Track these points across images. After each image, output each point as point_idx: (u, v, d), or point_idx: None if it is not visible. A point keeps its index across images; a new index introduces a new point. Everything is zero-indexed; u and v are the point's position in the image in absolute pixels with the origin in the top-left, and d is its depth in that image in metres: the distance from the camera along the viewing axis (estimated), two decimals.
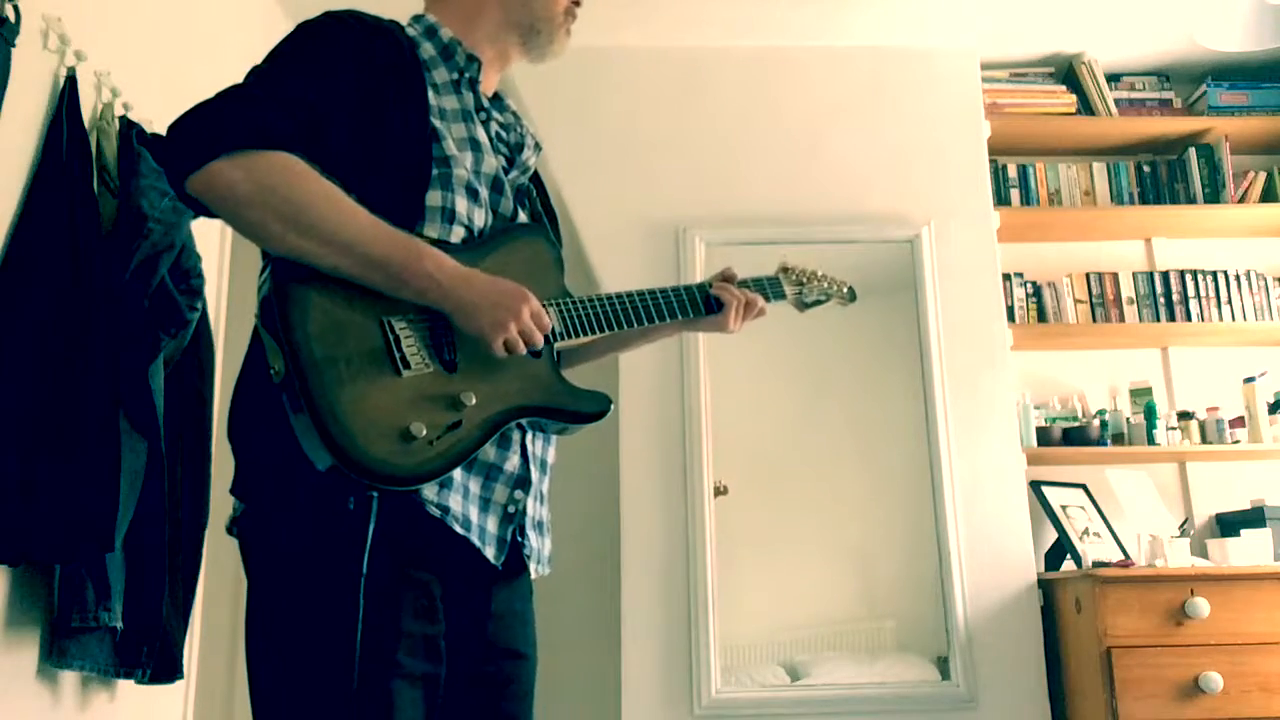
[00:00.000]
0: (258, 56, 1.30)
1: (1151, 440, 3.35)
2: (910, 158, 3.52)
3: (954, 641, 3.12)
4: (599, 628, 3.37)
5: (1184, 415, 3.42)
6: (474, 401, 1.21)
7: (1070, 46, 3.66)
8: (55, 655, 1.98)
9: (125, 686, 2.30)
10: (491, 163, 1.37)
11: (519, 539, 1.32)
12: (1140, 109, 3.73)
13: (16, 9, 1.85)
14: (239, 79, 1.26)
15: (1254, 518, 3.29)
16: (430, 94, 1.33)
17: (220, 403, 2.53)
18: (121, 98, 2.23)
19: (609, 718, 3.23)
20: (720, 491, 3.25)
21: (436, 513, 1.20)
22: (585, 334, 1.37)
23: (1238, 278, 3.55)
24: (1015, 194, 3.62)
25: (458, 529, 1.22)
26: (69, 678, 2.10)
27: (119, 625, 2.02)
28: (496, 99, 1.47)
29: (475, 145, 1.35)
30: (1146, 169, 3.69)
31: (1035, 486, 3.31)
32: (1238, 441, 3.39)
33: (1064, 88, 3.69)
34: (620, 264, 3.38)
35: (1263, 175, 3.64)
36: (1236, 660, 2.79)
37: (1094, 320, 3.52)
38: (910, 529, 3.30)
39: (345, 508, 1.15)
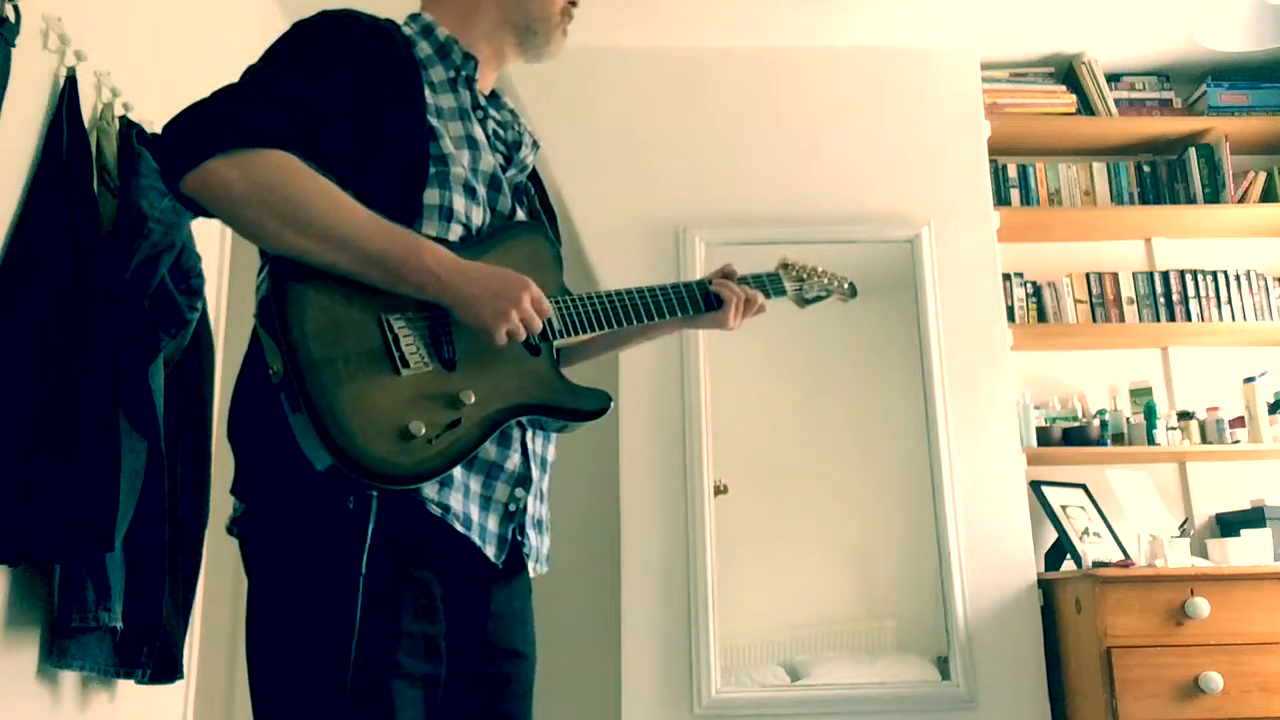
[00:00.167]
0: (256, 56, 1.30)
1: (1151, 440, 3.35)
2: (910, 158, 3.52)
3: (954, 641, 3.12)
4: (599, 627, 3.37)
5: (1184, 415, 3.42)
6: (473, 400, 1.21)
7: (1070, 46, 3.66)
8: (55, 655, 1.98)
9: (125, 686, 2.30)
10: (489, 160, 1.36)
11: (519, 537, 1.32)
12: (1140, 109, 3.73)
13: (16, 9, 1.85)
14: (237, 79, 1.26)
15: (1254, 518, 3.29)
16: (427, 92, 1.33)
17: (220, 403, 2.53)
18: (121, 98, 2.23)
19: (609, 718, 3.23)
20: (720, 490, 3.25)
21: (437, 511, 1.20)
22: (585, 331, 1.37)
23: (1238, 278, 3.55)
24: (1015, 194, 3.62)
25: (458, 527, 1.22)
26: (69, 678, 2.10)
27: (119, 625, 2.02)
28: (494, 97, 1.47)
29: (472, 143, 1.35)
30: (1146, 169, 3.69)
31: (1035, 486, 3.31)
32: (1238, 441, 3.39)
33: (1064, 88, 3.69)
34: (620, 264, 3.38)
35: (1263, 175, 3.64)
36: (1236, 660, 2.79)
37: (1094, 320, 3.52)
38: (910, 529, 3.30)
39: (345, 507, 1.15)
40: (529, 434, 1.33)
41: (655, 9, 3.41)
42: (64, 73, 2.06)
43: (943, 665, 3.16)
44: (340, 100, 1.25)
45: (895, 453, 3.39)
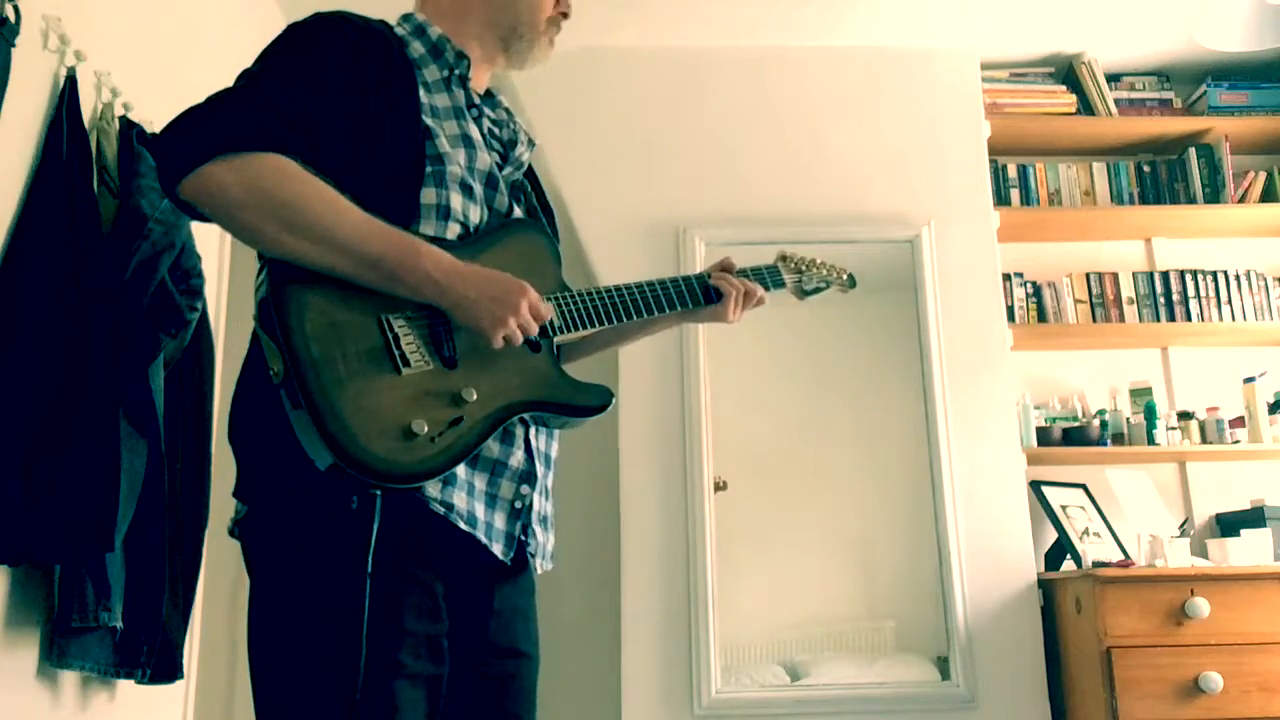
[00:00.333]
0: (257, 56, 1.30)
1: (1151, 440, 3.35)
2: (910, 158, 3.52)
3: (954, 641, 3.12)
4: (599, 627, 3.37)
5: (1184, 415, 3.42)
6: (475, 397, 1.21)
7: (1070, 46, 3.66)
8: (55, 655, 1.98)
9: (125, 686, 2.30)
10: (485, 159, 1.37)
11: (524, 536, 1.32)
12: (1140, 109, 3.73)
13: (16, 9, 1.85)
14: (232, 83, 1.26)
15: (1254, 518, 3.29)
16: (421, 92, 1.33)
17: (220, 403, 2.53)
18: (121, 98, 2.23)
19: (609, 718, 3.23)
20: (720, 487, 3.25)
21: (440, 510, 1.20)
22: (585, 327, 1.37)
23: (1238, 278, 3.55)
24: (1015, 194, 3.62)
25: (462, 526, 1.22)
26: (69, 678, 2.10)
27: (119, 625, 2.02)
28: (488, 96, 1.47)
29: (468, 142, 1.35)
30: (1146, 169, 3.69)
31: (1035, 486, 3.31)
32: (1238, 441, 3.39)
33: (1064, 88, 3.69)
34: (620, 264, 3.38)
35: (1263, 175, 3.64)
36: (1236, 660, 2.79)
37: (1094, 320, 3.52)
38: (910, 529, 3.30)
39: (348, 507, 1.15)
40: (532, 431, 1.33)
41: (655, 9, 3.41)
42: (64, 73, 2.06)
43: (943, 665, 3.16)
44: (336, 102, 1.25)
45: (895, 452, 3.39)
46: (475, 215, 1.33)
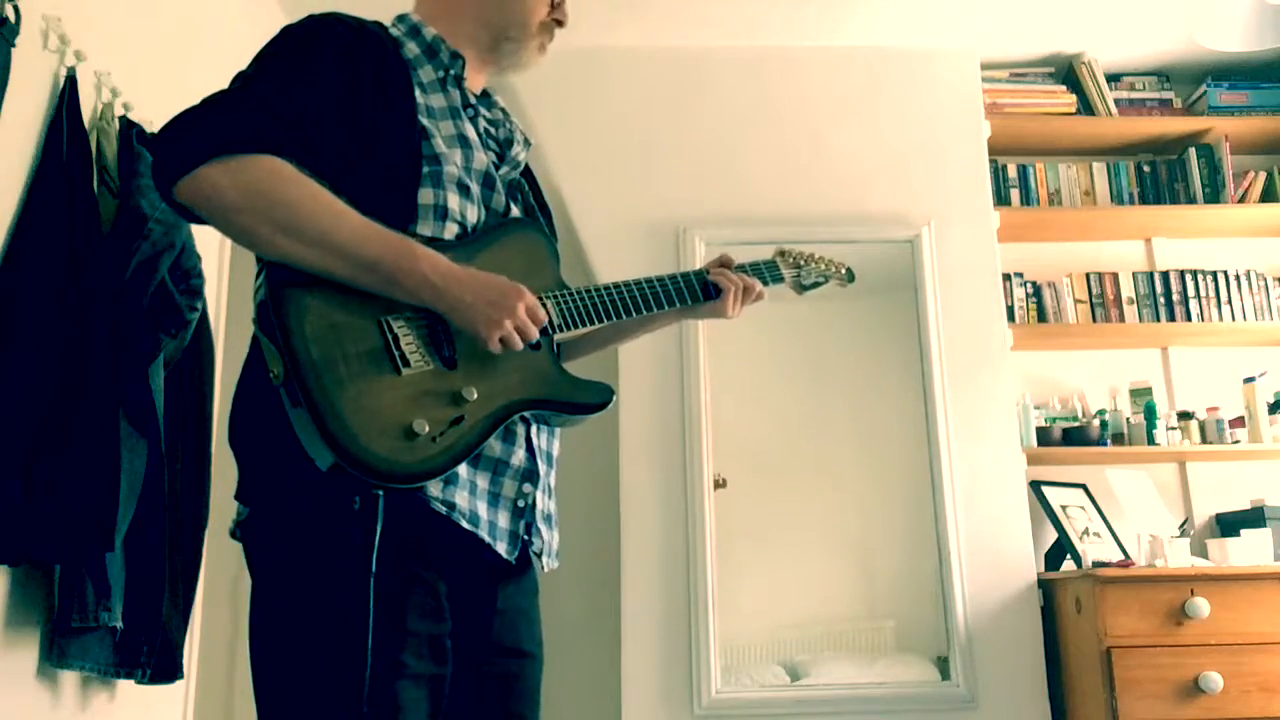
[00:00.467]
0: None
1: (1151, 440, 3.35)
2: (910, 158, 3.52)
3: (954, 641, 3.12)
4: (599, 626, 3.37)
5: (1184, 415, 3.42)
6: (475, 396, 1.21)
7: (1070, 46, 3.66)
8: (55, 655, 1.98)
9: (125, 686, 2.30)
10: (481, 159, 1.36)
11: (528, 535, 1.31)
12: (1140, 109, 3.73)
13: (16, 9, 1.85)
14: (228, 85, 1.26)
15: (1254, 518, 3.29)
16: (417, 92, 1.33)
17: (220, 403, 2.53)
18: (121, 98, 2.23)
19: (609, 718, 3.23)
20: (720, 485, 3.25)
21: (443, 509, 1.20)
22: (584, 325, 1.37)
23: (1238, 278, 3.55)
24: (1015, 194, 3.62)
25: (464, 525, 1.22)
26: (69, 678, 2.10)
27: (119, 625, 2.02)
28: (484, 96, 1.47)
29: (464, 142, 1.35)
30: (1146, 169, 3.69)
31: (1035, 486, 3.31)
32: (1238, 441, 3.39)
33: (1064, 88, 3.69)
34: (620, 264, 3.38)
35: (1263, 175, 3.64)
36: (1236, 660, 2.79)
37: (1094, 320, 3.52)
38: (910, 529, 3.30)
39: (350, 508, 1.15)
40: (533, 429, 1.33)
41: (655, 9, 3.41)
42: (64, 73, 2.06)
43: (943, 665, 3.16)
44: (331, 103, 1.25)
45: (895, 452, 3.39)
46: (473, 215, 1.33)
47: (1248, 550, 3.07)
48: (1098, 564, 3.04)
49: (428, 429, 1.16)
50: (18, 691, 1.93)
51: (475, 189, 1.34)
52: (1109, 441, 3.38)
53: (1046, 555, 3.34)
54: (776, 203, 3.46)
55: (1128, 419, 3.44)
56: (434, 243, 1.26)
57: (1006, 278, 3.51)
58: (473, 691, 1.29)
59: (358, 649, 1.12)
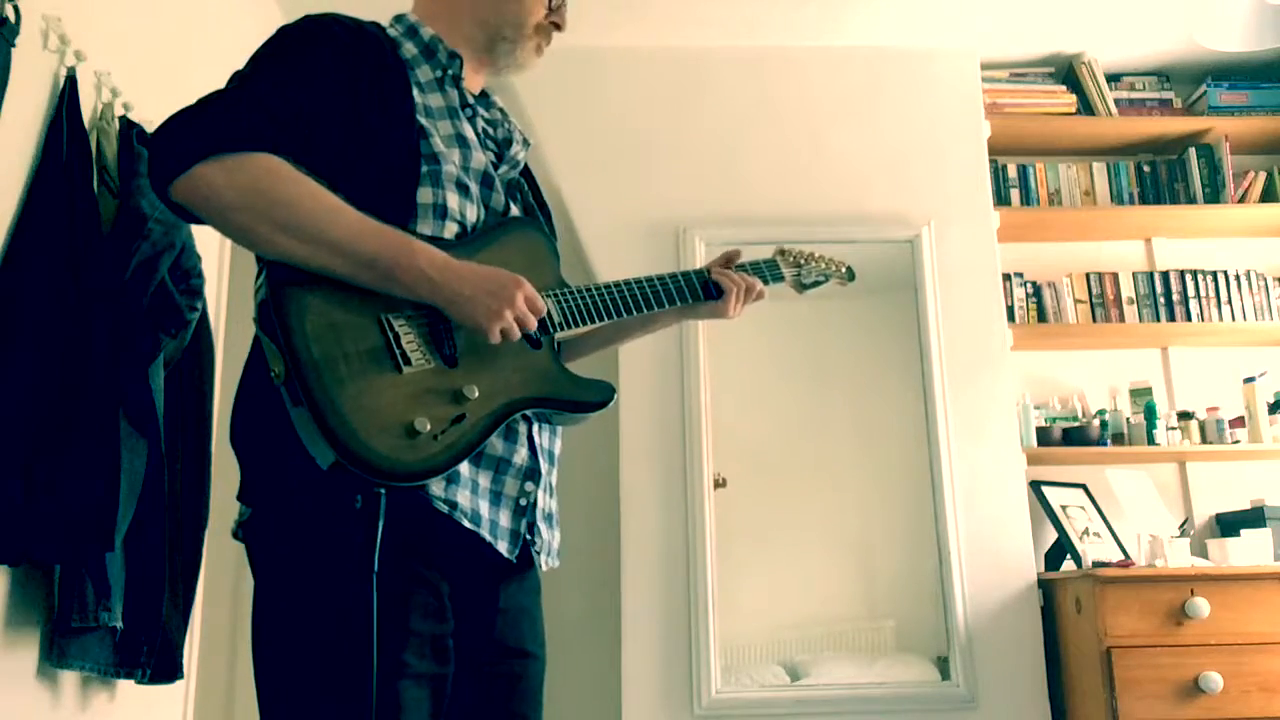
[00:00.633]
0: None
1: (1151, 440, 3.35)
2: (910, 158, 3.52)
3: (954, 641, 3.12)
4: (599, 626, 3.37)
5: (1184, 415, 3.42)
6: (477, 395, 1.21)
7: (1070, 46, 3.66)
8: (55, 655, 1.98)
9: (125, 686, 2.30)
10: (480, 158, 1.37)
11: (529, 534, 1.31)
12: (1140, 109, 3.73)
13: (16, 9, 1.85)
14: (224, 84, 1.26)
15: (1254, 518, 3.29)
16: (415, 92, 1.33)
17: (220, 403, 2.53)
18: (121, 98, 2.23)
19: (609, 718, 3.23)
20: (719, 484, 3.25)
21: (444, 508, 1.20)
22: (585, 323, 1.37)
23: (1238, 278, 3.55)
24: (1015, 194, 3.62)
25: (466, 524, 1.22)
26: (69, 678, 2.10)
27: (119, 625, 2.02)
28: (483, 96, 1.47)
29: (463, 141, 1.36)
30: (1146, 169, 3.69)
31: (1035, 486, 3.31)
32: (1238, 441, 3.39)
33: (1064, 88, 3.69)
34: (620, 264, 3.38)
35: (1263, 175, 3.64)
36: (1236, 660, 2.79)
37: (1094, 320, 3.52)
38: (910, 529, 3.30)
39: (352, 507, 1.14)
40: (535, 428, 1.33)
41: (655, 9, 3.41)
42: (64, 73, 2.06)
43: (943, 665, 3.16)
44: (328, 102, 1.25)
45: (895, 452, 3.39)
46: (472, 214, 1.33)
47: (1248, 550, 3.07)
48: (1098, 564, 3.04)
49: (429, 427, 1.16)
50: (18, 691, 1.93)
51: (474, 188, 1.34)
52: (1109, 441, 3.38)
53: (1046, 555, 3.34)
54: (776, 203, 3.46)
55: (1128, 419, 3.44)
56: (434, 242, 1.26)
57: (1006, 278, 3.51)
58: (475, 691, 1.29)
59: (360, 649, 1.12)
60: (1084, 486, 3.41)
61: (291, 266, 1.17)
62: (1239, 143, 3.68)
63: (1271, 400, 3.41)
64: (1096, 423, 3.39)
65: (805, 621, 3.32)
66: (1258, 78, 3.74)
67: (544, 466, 1.33)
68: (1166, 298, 3.53)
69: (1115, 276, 3.56)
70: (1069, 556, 3.21)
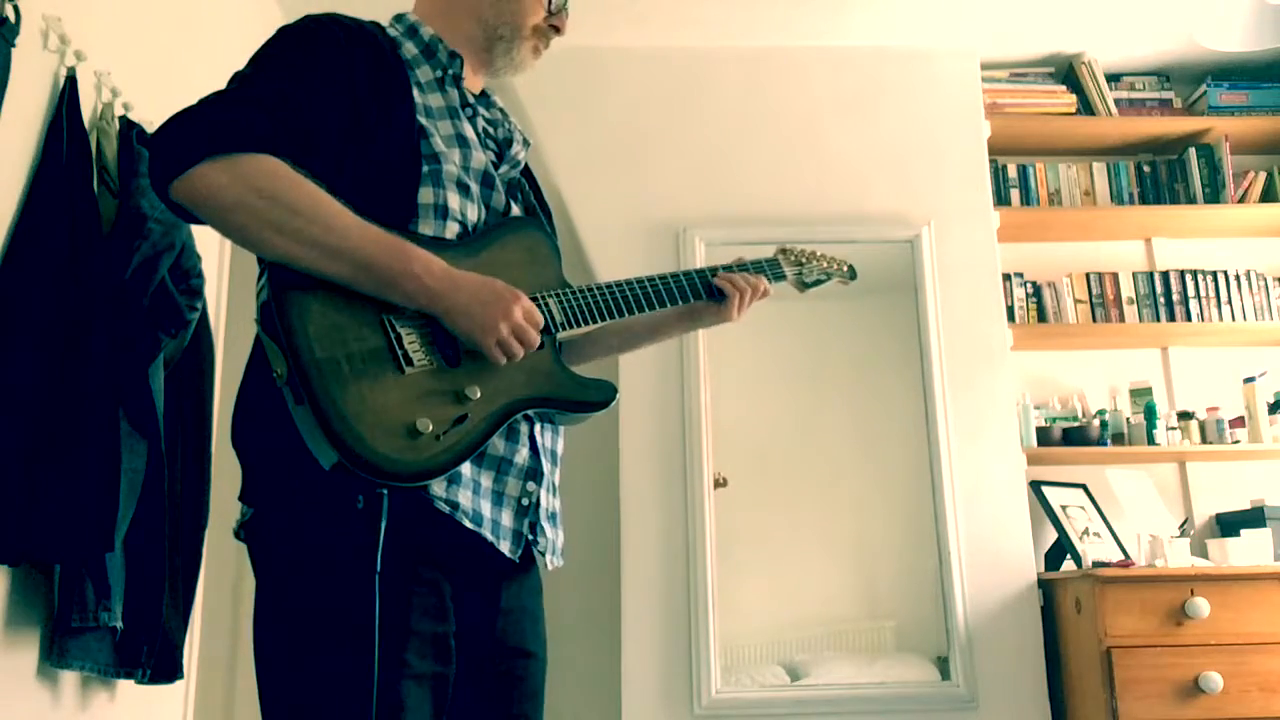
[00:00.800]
0: None
1: (1151, 440, 3.35)
2: (910, 158, 3.52)
3: (954, 641, 3.12)
4: (599, 627, 3.37)
5: (1184, 415, 3.42)
6: (479, 395, 1.21)
7: (1070, 46, 3.66)
8: (55, 655, 1.98)
9: (125, 686, 2.30)
10: (480, 158, 1.36)
11: (532, 534, 1.31)
12: (1140, 109, 3.73)
13: (16, 9, 1.85)
14: (225, 84, 1.26)
15: (1254, 518, 3.29)
16: (415, 92, 1.33)
17: (220, 403, 2.53)
18: (121, 98, 2.23)
19: (609, 718, 3.23)
20: (720, 484, 3.25)
21: (446, 509, 1.20)
22: (587, 323, 1.37)
23: (1238, 278, 3.55)
24: (1015, 194, 3.62)
25: (468, 524, 1.22)
26: (69, 678, 2.10)
27: (119, 625, 2.02)
28: (482, 96, 1.47)
29: (463, 141, 1.35)
30: (1146, 169, 3.69)
31: (1035, 486, 3.31)
32: (1238, 441, 3.39)
33: (1064, 88, 3.69)
34: (620, 265, 3.38)
35: (1263, 175, 3.64)
36: (1236, 660, 2.79)
37: (1094, 320, 3.52)
38: (910, 529, 3.30)
39: (353, 507, 1.14)
40: (537, 428, 1.33)
41: (655, 9, 3.41)
42: (64, 73, 2.06)
43: (943, 665, 3.16)
44: (329, 103, 1.25)
45: (895, 453, 3.39)
46: (473, 214, 1.33)
47: (1248, 550, 3.07)
48: (1098, 564, 3.04)
49: (431, 428, 1.16)
50: (18, 691, 1.93)
51: (475, 188, 1.34)
52: (1109, 441, 3.38)
53: (1046, 555, 3.34)
54: (776, 203, 3.46)
55: (1128, 419, 3.44)
56: (435, 242, 1.26)
57: (1006, 278, 3.51)
58: (476, 691, 1.29)
59: (362, 648, 1.12)
60: (1084, 486, 3.41)
61: (292, 268, 1.17)
62: (1239, 143, 3.68)
63: (1271, 400, 3.41)
64: (1096, 423, 3.39)
65: (805, 621, 3.32)
66: (1258, 78, 3.74)
67: (546, 466, 1.33)
68: (1166, 298, 3.53)
69: (1115, 276, 3.57)
70: (1069, 556, 3.21)
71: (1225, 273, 3.55)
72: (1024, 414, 3.37)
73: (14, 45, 1.84)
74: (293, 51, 1.27)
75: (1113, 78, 3.73)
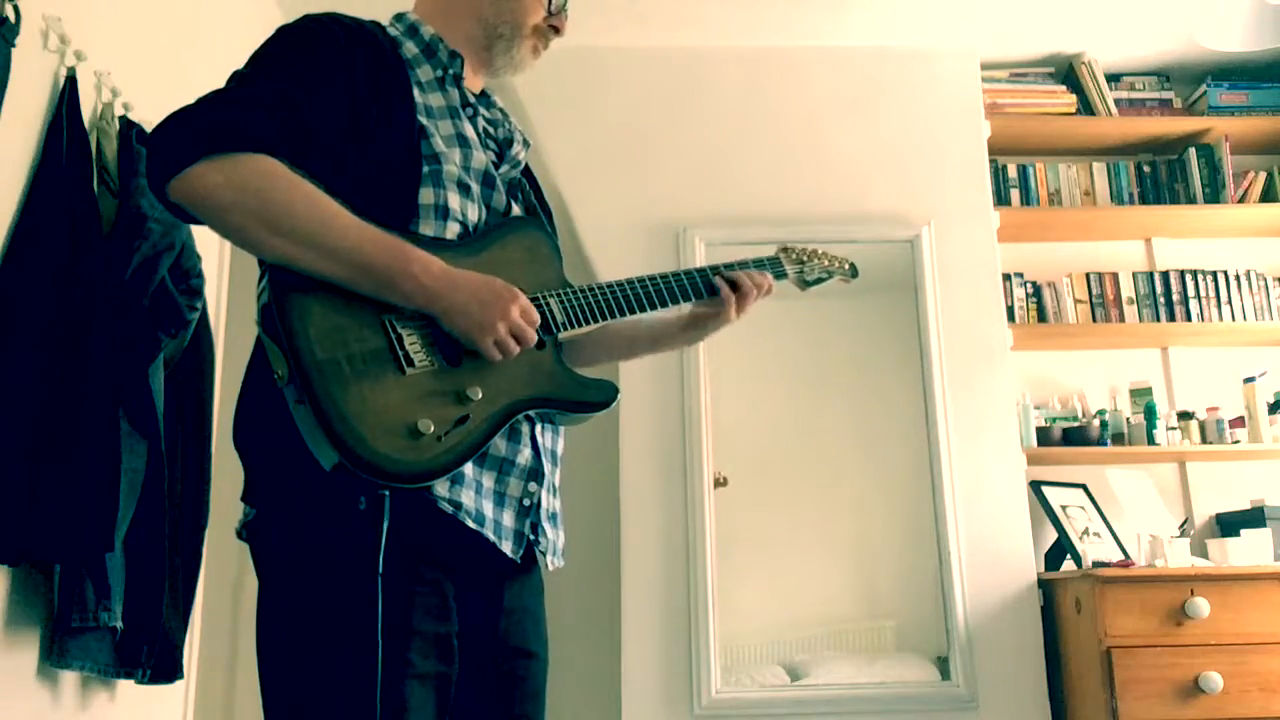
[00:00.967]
0: None
1: (1151, 440, 3.35)
2: (910, 158, 3.52)
3: (954, 641, 3.12)
4: (599, 627, 3.37)
5: (1184, 415, 3.42)
6: (480, 395, 1.21)
7: (1070, 46, 3.66)
8: (55, 655, 1.98)
9: (125, 686, 2.30)
10: (480, 158, 1.36)
11: (534, 535, 1.31)
12: (1140, 109, 3.73)
13: (16, 9, 1.85)
14: (223, 84, 1.26)
15: (1254, 518, 3.29)
16: (415, 91, 1.33)
17: (220, 403, 2.53)
18: (121, 98, 2.23)
19: (609, 718, 3.23)
20: (720, 483, 3.25)
21: (449, 509, 1.20)
22: (588, 322, 1.36)
23: (1238, 278, 3.55)
24: (1015, 194, 3.62)
25: (470, 524, 1.22)
26: (69, 678, 2.10)
27: (119, 625, 2.02)
28: (483, 95, 1.47)
29: (463, 141, 1.35)
30: (1146, 169, 3.69)
31: (1035, 486, 3.31)
32: (1238, 441, 3.39)
33: (1064, 88, 3.69)
34: (620, 265, 3.38)
35: (1263, 175, 3.64)
36: (1236, 660, 2.79)
37: (1094, 320, 3.52)
38: (910, 529, 3.30)
39: (356, 508, 1.14)
40: (538, 428, 1.33)
41: (655, 9, 3.41)
42: (64, 73, 2.05)
43: (943, 665, 3.16)
44: (329, 102, 1.25)
45: (895, 453, 3.39)
46: (474, 214, 1.33)
47: (1248, 550, 3.08)
48: (1098, 564, 3.04)
49: (433, 428, 1.16)
50: (18, 691, 1.93)
51: (475, 188, 1.34)
52: (1109, 441, 3.38)
53: (1046, 555, 3.34)
54: (776, 203, 3.46)
55: (1128, 419, 3.44)
56: (436, 243, 1.25)
57: (1006, 278, 3.51)
58: (478, 691, 1.29)
59: (365, 648, 1.11)
60: (1084, 486, 3.41)
61: (292, 269, 1.17)
62: (1239, 143, 3.68)
63: (1271, 400, 3.41)
64: (1096, 423, 3.39)
65: (805, 621, 3.32)
66: (1258, 78, 3.74)
67: (547, 466, 1.33)
68: (1166, 298, 3.53)
69: (1115, 276, 3.57)
70: (1069, 556, 3.21)
71: (1225, 273, 3.55)
72: (1024, 414, 3.37)
73: (14, 45, 1.84)
74: (292, 51, 1.27)
75: (1113, 78, 3.73)
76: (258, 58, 1.28)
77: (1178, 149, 3.72)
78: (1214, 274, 3.54)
